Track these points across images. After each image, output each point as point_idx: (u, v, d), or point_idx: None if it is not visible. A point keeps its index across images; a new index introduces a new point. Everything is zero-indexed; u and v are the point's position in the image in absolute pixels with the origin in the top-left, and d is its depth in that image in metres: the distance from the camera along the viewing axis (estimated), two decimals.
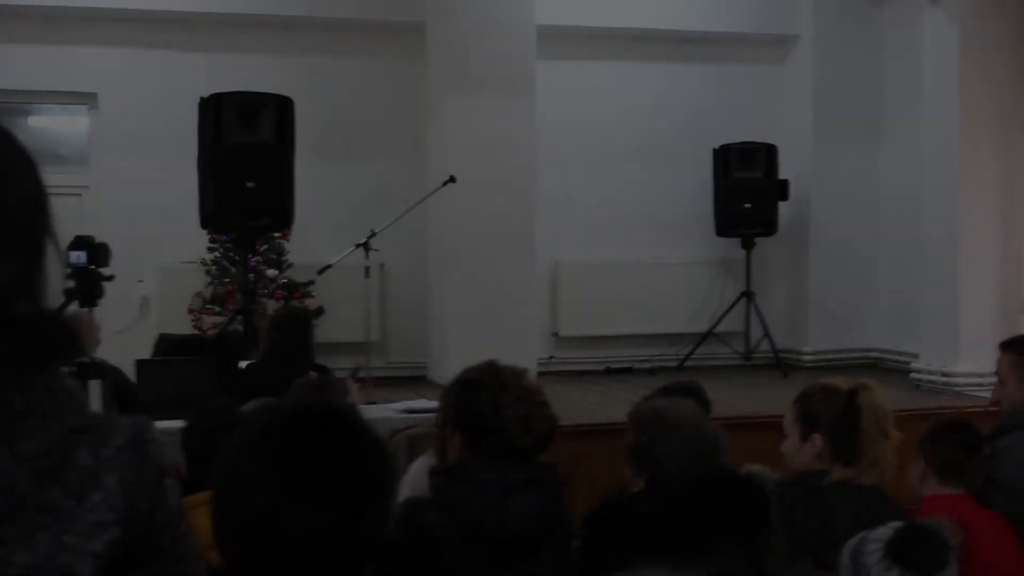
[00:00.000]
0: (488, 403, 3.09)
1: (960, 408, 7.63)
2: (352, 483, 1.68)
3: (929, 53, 9.46)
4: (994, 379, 4.44)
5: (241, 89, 8.50)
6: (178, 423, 4.40)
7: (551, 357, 10.49)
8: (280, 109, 8.27)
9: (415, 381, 9.40)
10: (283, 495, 1.64)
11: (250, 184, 8.03)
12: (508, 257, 9.43)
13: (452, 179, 8.75)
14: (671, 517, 2.87)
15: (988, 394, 8.07)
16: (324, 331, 9.49)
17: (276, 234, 9.23)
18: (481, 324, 9.20)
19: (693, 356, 10.54)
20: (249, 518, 1.66)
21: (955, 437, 3.95)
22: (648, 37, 10.85)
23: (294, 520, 1.64)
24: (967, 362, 8.92)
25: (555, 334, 10.64)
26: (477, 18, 9.44)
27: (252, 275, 8.90)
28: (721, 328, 10.69)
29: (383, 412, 6.97)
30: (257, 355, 6.68)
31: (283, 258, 9.48)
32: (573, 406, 8.38)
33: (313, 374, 5.74)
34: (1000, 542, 3.83)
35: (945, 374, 9.07)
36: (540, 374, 9.58)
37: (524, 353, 9.26)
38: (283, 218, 8.28)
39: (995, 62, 9.18)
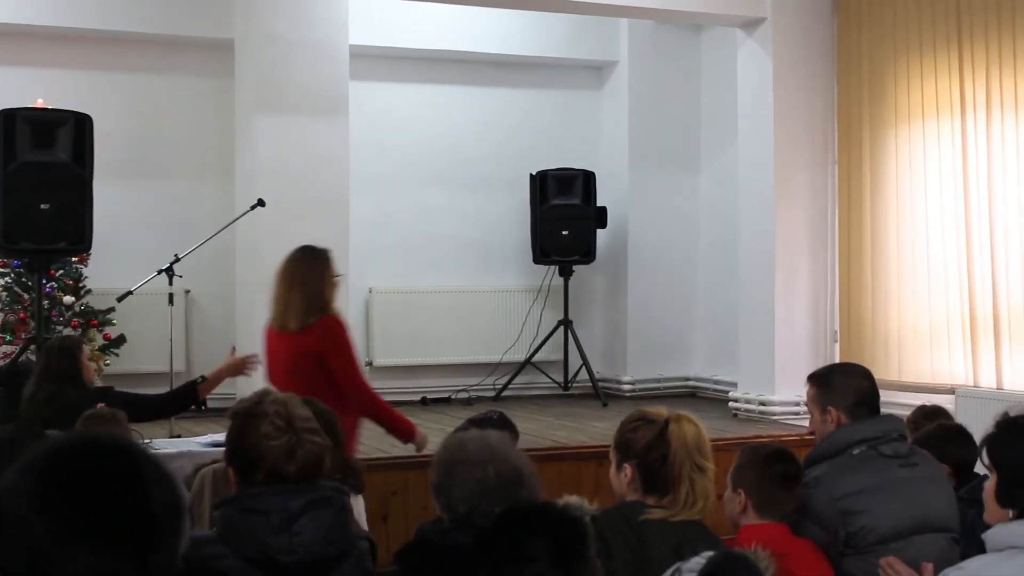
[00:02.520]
0: (251, 433, 3.11)
1: (776, 437, 7.84)
2: (136, 521, 1.57)
3: (743, 84, 9.75)
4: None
5: (37, 105, 8.27)
6: None
7: None
8: (78, 127, 8.04)
9: (222, 413, 9.22)
10: (57, 539, 1.53)
11: (44, 205, 7.79)
12: None
13: (261, 203, 8.64)
14: (483, 550, 2.88)
15: (803, 423, 8.34)
16: (126, 361, 9.29)
17: (73, 258, 8.97)
18: None
19: (511, 386, 10.60)
20: (22, 567, 1.55)
21: (777, 469, 4.03)
22: (465, 60, 10.91)
23: (73, 566, 1.53)
24: (783, 391, 9.18)
25: (369, 363, 10.56)
26: (288, 37, 9.35)
27: (46, 302, 8.63)
28: (539, 357, 10.77)
29: (188, 445, 6.83)
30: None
31: (80, 284, 9.22)
32: (387, 438, 8.33)
33: (101, 405, 5.58)
34: (816, 570, 3.94)
35: (762, 403, 9.31)
36: None
37: None
38: (80, 241, 8.04)
39: (806, 94, 9.50)
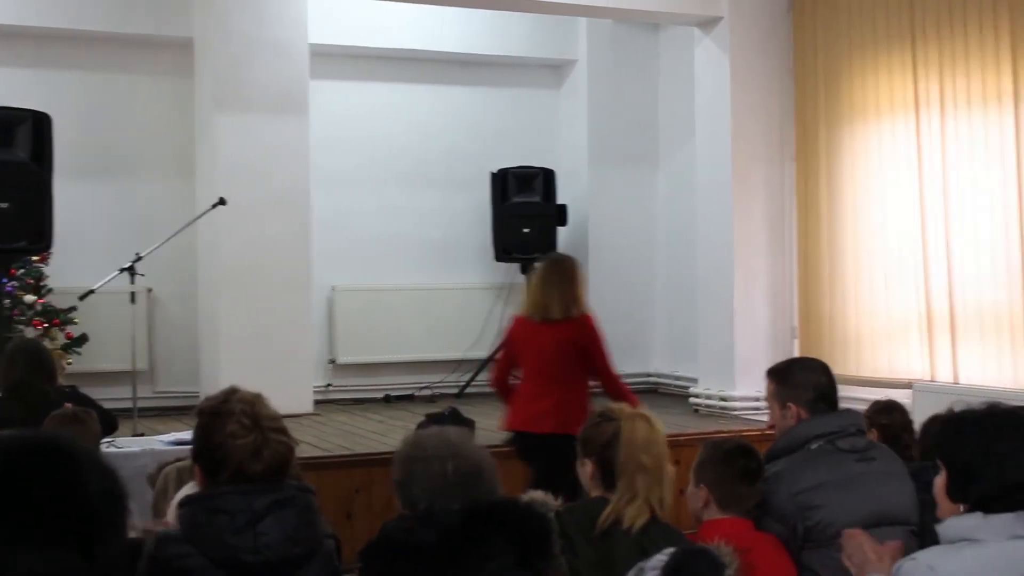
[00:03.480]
0: (217, 432, 3.10)
1: (738, 432, 7.87)
2: (72, 513, 1.58)
3: (701, 82, 9.77)
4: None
5: None
6: None
7: (328, 385, 10.40)
8: (37, 126, 7.97)
9: (185, 411, 9.19)
10: (1, 541, 1.54)
11: (3, 204, 7.73)
12: (283, 282, 9.33)
13: (222, 201, 8.61)
14: (446, 548, 2.87)
15: (763, 417, 8.37)
16: (88, 360, 9.23)
17: (34, 257, 8.90)
18: (255, 351, 9.06)
19: (474, 382, 10.57)
20: None
21: (739, 464, 4.04)
22: (425, 59, 10.88)
23: (21, 566, 1.53)
24: (743, 386, 9.21)
25: (332, 361, 10.54)
26: (248, 35, 9.32)
27: (8, 301, 8.56)
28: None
29: (151, 444, 6.81)
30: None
31: (42, 283, 9.14)
32: (351, 435, 8.33)
33: (68, 406, 5.54)
34: (778, 565, 3.95)
35: (723, 398, 9.34)
36: (317, 402, 9.53)
37: (300, 381, 9.23)
38: (41, 240, 7.97)
39: (763, 92, 9.53)
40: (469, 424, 4.99)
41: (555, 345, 6.24)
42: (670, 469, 3.80)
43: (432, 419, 5.07)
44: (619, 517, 3.71)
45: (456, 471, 3.26)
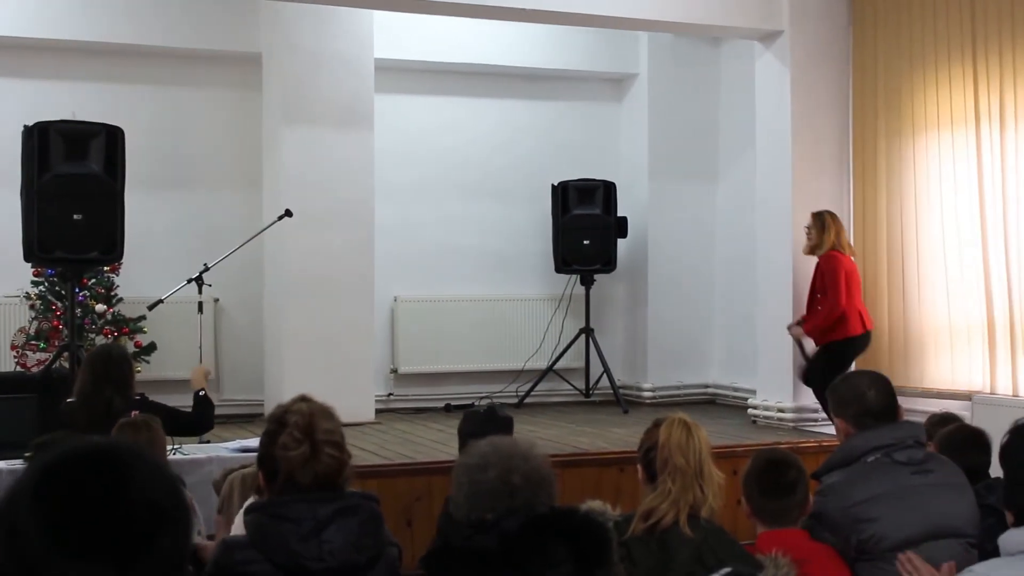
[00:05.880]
0: (274, 442, 3.17)
1: (794, 443, 7.82)
2: (114, 530, 1.55)
3: (761, 95, 9.72)
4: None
5: (69, 118, 8.31)
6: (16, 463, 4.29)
7: (390, 394, 10.44)
8: (109, 139, 8.07)
9: (250, 419, 9.27)
10: (45, 551, 1.53)
11: (77, 216, 7.82)
12: (346, 292, 9.39)
13: (288, 213, 8.68)
14: (506, 556, 2.88)
15: (821, 429, 8.34)
16: (156, 368, 9.33)
17: (105, 267, 9.02)
18: (318, 360, 9.12)
19: (533, 392, 10.58)
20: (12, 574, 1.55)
21: (767, 480, 4.00)
22: (488, 73, 10.91)
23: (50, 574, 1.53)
24: (801, 398, 9.14)
25: (394, 371, 10.58)
26: (314, 51, 9.41)
27: (79, 310, 8.67)
28: (561, 365, 10.75)
29: (217, 451, 6.87)
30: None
31: (112, 292, 9.26)
32: (412, 444, 8.35)
33: (135, 413, 5.60)
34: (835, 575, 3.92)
35: (780, 410, 9.27)
36: (379, 411, 9.58)
37: (362, 390, 9.29)
38: (112, 251, 8.06)
39: (823, 105, 9.47)
40: (507, 420, 5.01)
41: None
42: (716, 474, 3.78)
43: (470, 416, 5.13)
44: (654, 515, 3.70)
45: (518, 480, 3.27)
